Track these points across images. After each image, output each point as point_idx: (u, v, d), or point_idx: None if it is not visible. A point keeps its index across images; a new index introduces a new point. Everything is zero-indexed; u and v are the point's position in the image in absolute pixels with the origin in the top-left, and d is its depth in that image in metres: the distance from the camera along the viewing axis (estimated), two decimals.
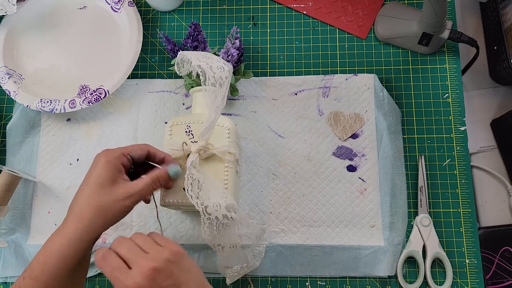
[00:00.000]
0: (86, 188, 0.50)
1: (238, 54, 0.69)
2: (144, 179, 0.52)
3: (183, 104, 0.74)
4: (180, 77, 0.74)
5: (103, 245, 0.68)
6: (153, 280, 0.43)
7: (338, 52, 0.76)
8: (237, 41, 0.69)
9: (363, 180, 0.69)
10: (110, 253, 0.46)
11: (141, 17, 0.76)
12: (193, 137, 0.60)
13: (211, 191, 0.56)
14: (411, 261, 0.67)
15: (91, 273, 0.68)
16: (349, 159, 0.70)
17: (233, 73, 0.70)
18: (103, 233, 0.68)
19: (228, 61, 0.68)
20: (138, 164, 0.56)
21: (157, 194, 0.69)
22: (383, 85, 0.72)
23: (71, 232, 0.49)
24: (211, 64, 0.58)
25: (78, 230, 0.49)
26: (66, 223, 0.50)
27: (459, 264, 0.67)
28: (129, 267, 0.44)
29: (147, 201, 0.56)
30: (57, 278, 0.48)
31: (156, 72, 0.77)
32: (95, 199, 0.49)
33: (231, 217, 0.56)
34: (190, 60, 0.58)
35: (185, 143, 0.59)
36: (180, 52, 0.60)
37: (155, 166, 0.56)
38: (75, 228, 0.49)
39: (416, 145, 0.71)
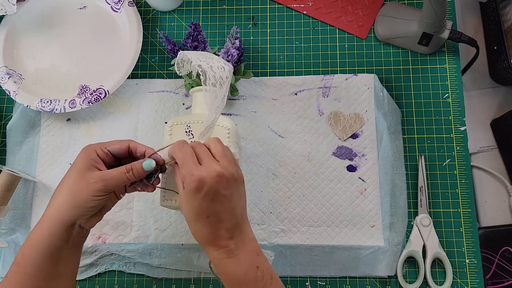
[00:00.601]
0: (64, 177, 0.52)
1: (238, 54, 0.69)
2: (119, 168, 0.53)
3: (183, 104, 0.74)
4: (180, 77, 0.74)
5: (102, 245, 0.68)
6: (216, 182, 0.48)
7: (338, 52, 0.76)
8: (237, 41, 0.69)
9: (363, 180, 0.69)
10: (188, 145, 0.51)
11: (141, 17, 0.76)
12: (193, 137, 0.60)
13: None
14: (411, 261, 0.67)
15: (91, 273, 0.68)
16: (349, 159, 0.70)
17: (233, 73, 0.70)
18: (102, 233, 0.69)
19: (228, 61, 0.68)
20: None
21: (156, 192, 0.69)
22: (383, 85, 0.72)
23: (44, 216, 0.51)
24: (212, 64, 0.58)
25: (50, 213, 0.50)
26: (45, 209, 0.52)
27: (459, 264, 0.67)
28: (200, 163, 0.49)
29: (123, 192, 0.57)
30: (34, 263, 0.49)
31: (156, 72, 0.77)
32: (69, 184, 0.51)
33: None
34: (191, 59, 0.58)
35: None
36: (181, 52, 0.60)
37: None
38: (48, 212, 0.51)
39: (416, 145, 0.71)
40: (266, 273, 0.49)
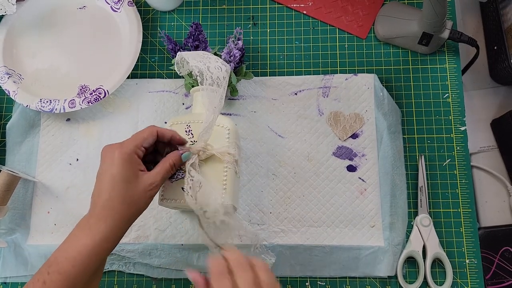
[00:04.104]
0: (111, 185, 0.49)
1: (240, 55, 0.69)
2: (164, 167, 0.53)
3: (183, 104, 0.74)
4: (180, 77, 0.74)
5: None
6: None
7: (338, 52, 0.76)
8: (240, 42, 0.69)
9: (363, 180, 0.69)
10: (226, 277, 0.44)
11: (141, 17, 0.76)
12: (192, 136, 0.60)
13: (211, 194, 0.56)
14: (411, 261, 0.67)
15: None
16: (349, 159, 0.70)
17: (235, 73, 0.70)
18: None
19: (230, 62, 0.68)
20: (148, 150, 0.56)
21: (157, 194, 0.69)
22: (383, 85, 0.72)
23: (105, 230, 0.49)
24: (209, 65, 0.58)
25: (111, 227, 0.49)
26: (97, 220, 0.49)
27: (459, 264, 0.67)
28: None
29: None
30: (87, 272, 0.48)
31: (156, 72, 0.77)
32: (124, 195, 0.49)
33: (228, 223, 0.56)
34: (188, 61, 0.58)
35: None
36: (179, 53, 0.60)
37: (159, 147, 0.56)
38: (109, 225, 0.49)
39: (416, 145, 0.71)
40: None
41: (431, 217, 0.68)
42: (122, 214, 0.49)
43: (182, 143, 0.56)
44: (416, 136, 0.72)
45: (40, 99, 0.72)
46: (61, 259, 0.48)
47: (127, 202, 0.50)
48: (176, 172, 0.56)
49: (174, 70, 0.66)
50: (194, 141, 0.59)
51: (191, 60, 0.58)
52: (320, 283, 0.67)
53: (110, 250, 0.50)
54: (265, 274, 0.45)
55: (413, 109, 0.73)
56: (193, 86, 0.67)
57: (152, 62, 0.77)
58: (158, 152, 0.57)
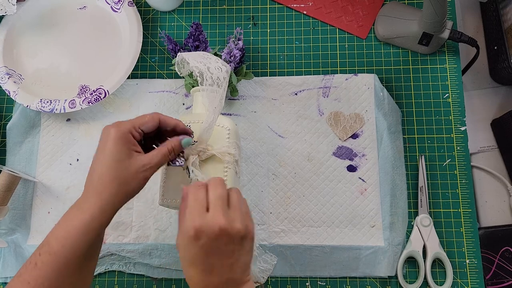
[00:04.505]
0: (102, 163, 0.49)
1: (240, 55, 0.69)
2: (161, 150, 0.51)
3: (183, 104, 0.74)
4: (180, 77, 0.74)
5: (102, 246, 0.68)
6: (216, 236, 0.45)
7: (338, 52, 0.76)
8: (240, 42, 0.70)
9: (363, 180, 0.69)
10: (203, 191, 0.47)
11: (141, 17, 0.76)
12: (193, 137, 0.60)
13: None
14: (411, 261, 0.67)
15: None
16: (349, 159, 0.70)
17: (235, 73, 0.70)
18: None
19: (230, 62, 0.68)
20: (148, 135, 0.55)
21: (156, 192, 0.69)
22: (383, 85, 0.72)
23: (93, 208, 0.48)
24: (209, 65, 0.58)
25: (101, 205, 0.48)
26: (87, 199, 0.49)
27: (459, 264, 0.67)
28: (207, 210, 0.46)
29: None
30: (77, 253, 0.47)
31: (156, 72, 0.77)
32: (114, 173, 0.49)
33: None
34: (188, 61, 0.58)
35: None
36: (179, 54, 0.60)
37: (164, 136, 0.55)
38: (98, 203, 0.48)
39: (416, 145, 0.71)
40: None
41: (431, 217, 0.68)
42: (111, 193, 0.48)
43: (187, 132, 0.55)
44: (416, 136, 0.72)
45: (41, 99, 0.72)
46: (51, 240, 0.48)
47: (117, 181, 0.48)
48: (176, 158, 0.54)
49: (174, 70, 0.66)
50: (194, 141, 0.59)
51: (192, 60, 0.58)
52: (320, 283, 0.67)
53: (100, 229, 0.49)
54: (236, 195, 0.49)
55: (413, 109, 0.73)
56: (193, 86, 0.67)
57: (152, 62, 0.77)
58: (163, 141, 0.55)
